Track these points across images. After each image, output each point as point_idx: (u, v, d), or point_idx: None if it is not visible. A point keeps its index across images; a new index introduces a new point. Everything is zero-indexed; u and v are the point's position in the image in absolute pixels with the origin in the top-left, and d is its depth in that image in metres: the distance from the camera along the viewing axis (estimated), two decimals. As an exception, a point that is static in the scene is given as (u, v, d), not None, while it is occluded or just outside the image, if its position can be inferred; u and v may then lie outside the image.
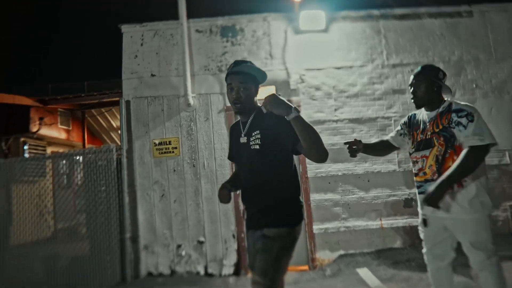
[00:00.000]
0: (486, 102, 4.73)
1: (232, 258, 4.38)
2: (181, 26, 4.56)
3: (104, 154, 4.48)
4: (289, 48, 4.75)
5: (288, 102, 1.65)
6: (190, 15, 4.66)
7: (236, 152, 2.01)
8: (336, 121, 4.62)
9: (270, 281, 1.69)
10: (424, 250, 2.22)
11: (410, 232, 4.43)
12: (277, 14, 4.81)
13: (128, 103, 4.62)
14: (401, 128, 2.37)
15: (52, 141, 9.47)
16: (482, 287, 2.01)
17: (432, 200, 1.89)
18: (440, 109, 2.10)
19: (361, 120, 4.69)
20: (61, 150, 9.33)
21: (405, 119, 2.37)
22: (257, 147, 1.82)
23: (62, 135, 9.78)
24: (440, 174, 1.99)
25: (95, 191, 4.45)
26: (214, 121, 4.60)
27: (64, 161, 4.77)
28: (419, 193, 2.16)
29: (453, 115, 2.00)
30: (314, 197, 4.49)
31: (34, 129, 8.39)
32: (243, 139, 1.90)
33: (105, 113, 9.41)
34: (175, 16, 4.61)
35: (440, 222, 2.09)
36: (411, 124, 2.29)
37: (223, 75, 4.56)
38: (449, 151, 2.00)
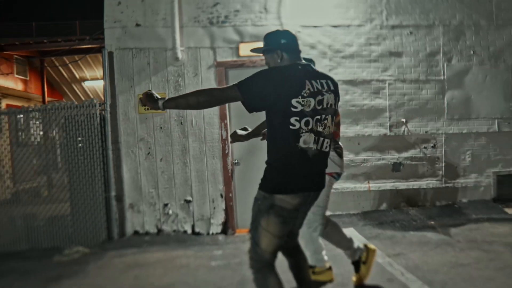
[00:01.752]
0: (482, 70, 4.95)
1: (219, 217, 4.61)
2: (169, -29, 4.41)
3: (87, 109, 4.48)
4: (285, 2, 4.72)
5: (156, 96, 1.96)
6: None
7: None
8: (330, 82, 4.70)
9: (252, 238, 1.93)
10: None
11: (396, 195, 4.77)
12: (273, -38, 4.68)
13: (111, 54, 4.55)
14: None
15: (7, 93, 8.81)
16: None
17: None
18: None
19: (355, 82, 4.83)
20: (17, 103, 8.86)
21: None
22: None
23: (19, 86, 9.10)
24: None
25: (78, 148, 4.50)
26: (203, 77, 4.63)
27: (36, 115, 4.66)
28: None
29: None
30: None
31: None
32: None
33: (69, 64, 8.56)
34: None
35: None
36: None
37: (214, 29, 4.62)
38: None
